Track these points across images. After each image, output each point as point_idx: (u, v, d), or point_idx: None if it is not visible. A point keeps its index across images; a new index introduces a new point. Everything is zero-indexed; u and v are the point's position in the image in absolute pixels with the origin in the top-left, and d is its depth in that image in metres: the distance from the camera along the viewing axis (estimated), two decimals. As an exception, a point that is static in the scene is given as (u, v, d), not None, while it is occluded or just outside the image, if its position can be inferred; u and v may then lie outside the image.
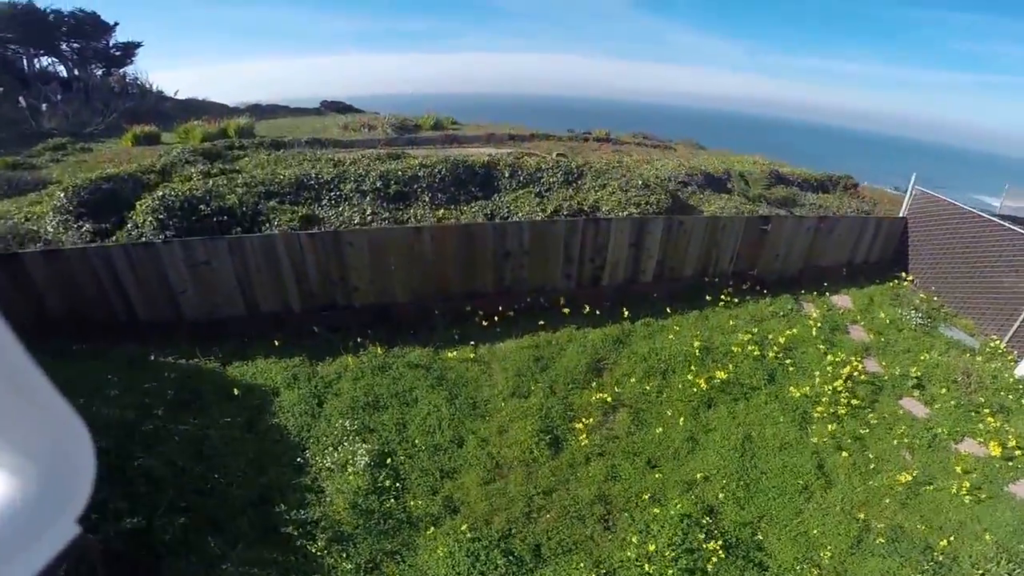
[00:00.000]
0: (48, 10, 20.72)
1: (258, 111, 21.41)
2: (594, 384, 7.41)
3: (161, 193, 8.59)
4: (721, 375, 7.58)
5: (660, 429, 6.94)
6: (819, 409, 7.49)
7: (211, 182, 9.33)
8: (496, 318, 8.22)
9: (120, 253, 6.40)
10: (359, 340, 7.51)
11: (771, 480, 6.55)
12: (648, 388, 7.44)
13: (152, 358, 6.70)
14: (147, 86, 20.87)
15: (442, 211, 9.76)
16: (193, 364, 6.79)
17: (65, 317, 6.59)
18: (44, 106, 16.15)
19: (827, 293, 10.19)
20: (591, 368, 7.80)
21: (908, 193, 11.46)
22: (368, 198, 9.68)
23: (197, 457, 5.86)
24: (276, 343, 7.16)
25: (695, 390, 7.43)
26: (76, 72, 20.94)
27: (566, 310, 8.56)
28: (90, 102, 18.08)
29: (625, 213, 10.08)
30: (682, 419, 7.08)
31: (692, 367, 7.75)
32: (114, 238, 8.55)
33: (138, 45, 22.72)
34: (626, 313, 8.66)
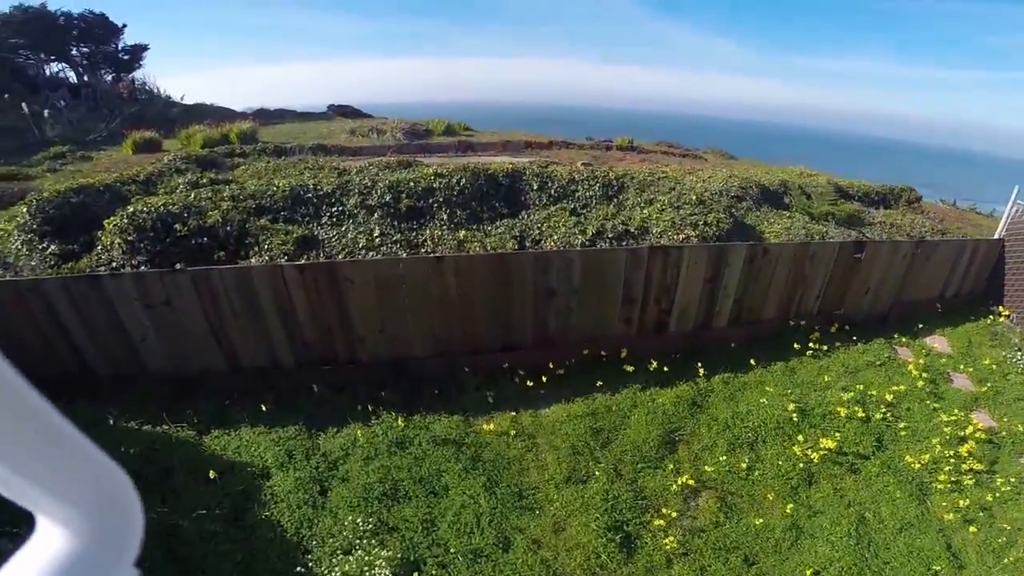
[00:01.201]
0: (59, 12, 19.81)
1: (263, 115, 20.19)
2: (669, 462, 5.75)
3: (131, 210, 7.14)
4: (826, 444, 5.88)
5: (755, 516, 5.30)
6: (940, 478, 5.86)
7: (193, 194, 7.90)
8: (540, 376, 6.54)
9: (58, 289, 4.89)
10: (369, 405, 5.93)
11: (896, 570, 5.01)
12: (736, 465, 5.77)
13: (111, 423, 5.22)
14: (155, 91, 19.89)
15: (464, 232, 8.18)
16: (161, 432, 5.28)
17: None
18: (47, 113, 15.03)
19: (920, 335, 8.38)
20: (663, 441, 6.09)
21: (1007, 211, 9.59)
22: (376, 215, 8.16)
23: (168, 558, 4.37)
24: (264, 407, 5.63)
25: (793, 464, 5.75)
26: (85, 77, 19.98)
27: (629, 367, 6.83)
28: (98, 108, 17.03)
29: (681, 237, 8.41)
30: (781, 502, 5.42)
31: (787, 435, 6.05)
32: (77, 263, 7.16)
33: (145, 48, 21.65)
34: (701, 368, 6.94)
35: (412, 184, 8.58)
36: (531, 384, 6.48)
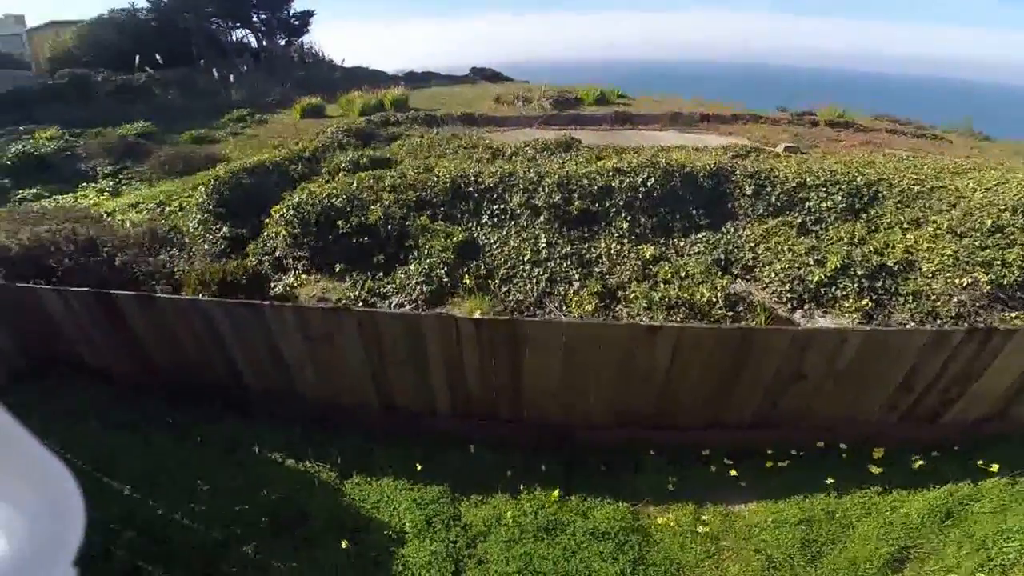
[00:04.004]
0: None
1: (412, 79, 19.78)
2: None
3: (296, 199, 6.56)
4: None
5: None
6: None
7: (355, 182, 7.12)
8: (744, 463, 4.81)
9: (220, 313, 4.31)
10: (523, 472, 4.73)
11: None
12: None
13: (256, 450, 4.71)
14: (320, 55, 20.44)
15: (650, 249, 6.40)
16: (303, 471, 4.66)
17: (170, 368, 4.89)
18: (232, 77, 15.86)
19: None
20: (890, 560, 4.15)
21: None
22: (542, 217, 6.69)
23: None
24: (410, 458, 4.73)
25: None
26: (264, 43, 21.07)
27: (875, 469, 4.76)
28: (272, 72, 17.76)
29: (966, 281, 5.76)
30: None
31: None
32: (243, 252, 6.83)
33: (312, 14, 22.32)
34: (980, 467, 4.67)
35: (586, 182, 6.93)
36: (729, 472, 4.81)
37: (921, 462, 4.75)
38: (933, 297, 5.83)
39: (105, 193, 9.74)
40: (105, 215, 8.23)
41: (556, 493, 4.58)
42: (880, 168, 7.73)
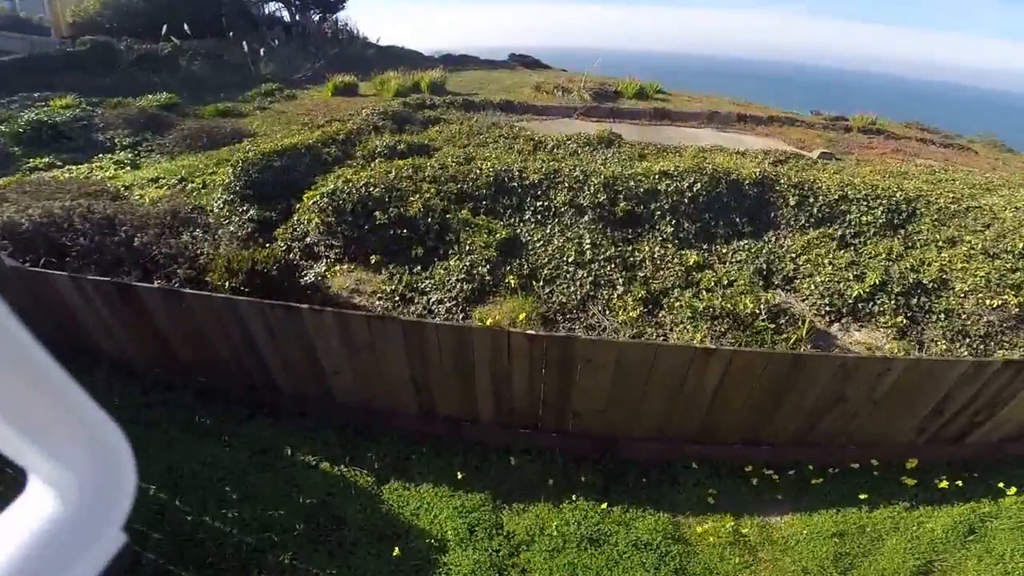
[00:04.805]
0: (276, -49, 20.42)
1: (449, 61, 19.34)
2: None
3: (332, 188, 6.38)
4: None
5: None
6: None
7: (393, 171, 6.93)
8: (781, 478, 4.80)
9: (254, 313, 4.11)
10: (564, 481, 4.65)
11: None
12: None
13: (289, 453, 4.59)
14: (354, 32, 20.03)
15: (694, 255, 6.23)
16: (339, 475, 4.54)
17: (195, 364, 4.71)
18: (263, 51, 15.54)
19: None
20: (916, 574, 4.32)
21: None
22: (586, 217, 6.52)
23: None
24: (449, 465, 4.63)
25: None
26: (297, 17, 20.67)
27: (909, 480, 4.78)
28: (305, 47, 17.42)
29: (996, 303, 5.60)
30: None
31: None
32: (272, 236, 6.66)
33: (347, -10, 21.90)
34: (1002, 486, 4.72)
35: (632, 183, 6.75)
36: (767, 486, 4.86)
37: (946, 482, 4.86)
38: (964, 316, 5.84)
39: (124, 166, 9.36)
40: (123, 189, 7.94)
41: (604, 505, 4.51)
42: (917, 184, 7.56)
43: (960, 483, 4.87)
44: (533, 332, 3.81)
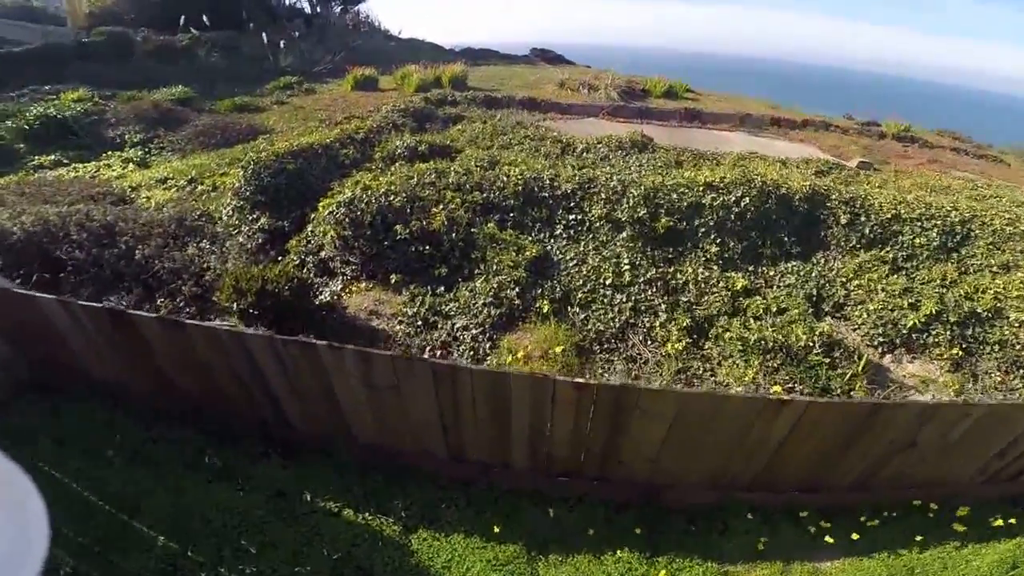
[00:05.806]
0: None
1: (469, 55, 18.70)
2: None
3: (349, 196, 5.85)
4: None
5: None
6: None
7: (415, 176, 6.40)
8: (836, 523, 4.36)
9: (264, 347, 3.61)
10: (605, 530, 4.15)
11: None
12: None
13: (308, 499, 4.12)
14: (375, 24, 19.50)
15: (741, 279, 5.63)
16: (363, 524, 4.07)
17: (200, 396, 4.24)
18: (282, 43, 15.03)
19: None
20: None
21: None
22: (623, 233, 5.94)
23: None
24: (483, 515, 4.14)
25: None
26: (318, 8, 20.13)
27: (959, 527, 4.32)
28: (325, 40, 16.90)
29: None
30: None
31: None
32: (284, 250, 6.16)
33: (370, -19, 21.38)
34: None
35: (675, 196, 6.15)
36: (819, 531, 4.42)
37: (1000, 520, 4.44)
38: (1019, 347, 5.39)
39: (131, 164, 8.88)
40: (129, 190, 7.47)
41: (649, 555, 4.01)
42: (967, 203, 6.92)
43: (1014, 520, 4.41)
44: (582, 380, 3.28)
